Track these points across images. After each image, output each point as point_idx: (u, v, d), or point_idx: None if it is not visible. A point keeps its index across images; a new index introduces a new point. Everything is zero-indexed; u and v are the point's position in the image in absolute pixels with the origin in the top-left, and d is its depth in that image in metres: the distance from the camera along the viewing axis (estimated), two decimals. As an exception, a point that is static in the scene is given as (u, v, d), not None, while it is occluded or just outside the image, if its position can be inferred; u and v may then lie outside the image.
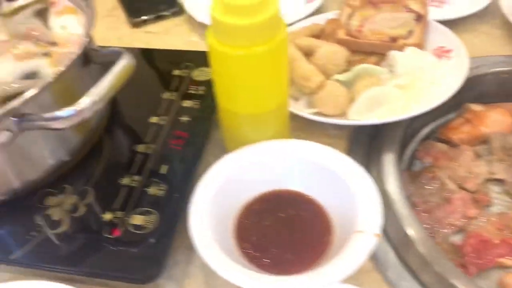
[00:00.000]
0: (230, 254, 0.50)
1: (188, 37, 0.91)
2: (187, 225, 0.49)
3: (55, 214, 0.54)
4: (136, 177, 0.58)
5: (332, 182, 0.56)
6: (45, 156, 0.56)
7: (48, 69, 0.56)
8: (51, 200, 0.56)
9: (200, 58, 0.76)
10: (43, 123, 0.48)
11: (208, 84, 0.70)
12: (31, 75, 0.55)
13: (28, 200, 0.56)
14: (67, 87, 0.54)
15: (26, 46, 0.59)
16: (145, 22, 0.94)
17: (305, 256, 0.53)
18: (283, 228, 0.56)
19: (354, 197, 0.53)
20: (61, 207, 0.55)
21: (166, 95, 0.69)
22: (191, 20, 0.94)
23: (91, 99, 0.48)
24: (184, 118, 0.65)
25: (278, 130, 0.61)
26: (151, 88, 0.70)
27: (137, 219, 0.53)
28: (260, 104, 0.57)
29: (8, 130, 0.48)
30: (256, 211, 0.57)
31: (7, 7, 0.68)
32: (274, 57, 0.53)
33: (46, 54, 0.57)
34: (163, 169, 0.58)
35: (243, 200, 0.58)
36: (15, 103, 0.47)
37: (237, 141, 0.61)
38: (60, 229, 0.53)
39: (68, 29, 0.62)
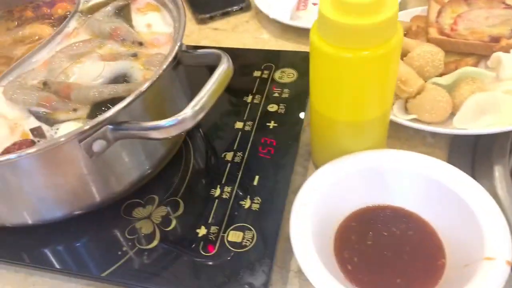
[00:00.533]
0: (335, 276, 0.46)
1: (257, 34, 0.86)
2: (285, 244, 0.44)
3: (145, 227, 0.51)
4: (227, 188, 0.54)
5: (443, 198, 0.50)
6: (131, 166, 0.52)
7: (138, 72, 0.52)
8: (139, 212, 0.53)
9: (279, 58, 0.72)
10: (141, 132, 0.44)
11: (292, 86, 0.66)
12: (120, 78, 0.52)
13: (113, 212, 0.53)
14: (157, 92, 0.50)
15: (111, 46, 0.56)
16: (211, 18, 0.90)
17: (417, 282, 0.48)
18: (387, 248, 0.51)
19: (474, 216, 0.48)
20: (150, 220, 0.52)
21: (249, 99, 0.65)
22: (259, 16, 0.89)
23: (194, 109, 0.44)
24: (271, 124, 0.61)
25: (377, 140, 0.56)
26: (232, 90, 0.66)
27: (233, 236, 0.49)
28: (363, 112, 0.52)
29: (103, 138, 0.44)
30: (355, 229, 0.53)
31: (85, 3, 0.65)
32: (387, 62, 0.48)
33: (134, 55, 0.53)
34: (255, 180, 0.54)
35: (341, 216, 0.53)
36: (113, 110, 0.43)
37: (330, 149, 0.56)
38: (152, 244, 0.50)
39: (153, 27, 0.58)
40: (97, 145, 0.44)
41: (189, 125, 0.44)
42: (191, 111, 0.44)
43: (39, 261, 0.50)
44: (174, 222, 0.51)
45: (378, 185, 0.54)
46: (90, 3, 0.64)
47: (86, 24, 0.59)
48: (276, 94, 0.65)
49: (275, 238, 0.49)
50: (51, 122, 0.47)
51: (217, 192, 0.54)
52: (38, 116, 0.48)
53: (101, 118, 0.43)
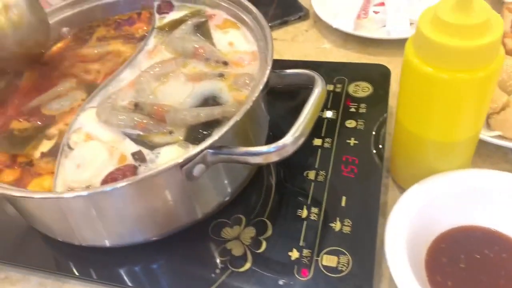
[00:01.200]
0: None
1: (318, 44, 0.85)
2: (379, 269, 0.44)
3: (236, 249, 0.51)
4: (314, 209, 0.53)
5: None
6: (219, 187, 0.52)
7: (227, 93, 0.52)
8: (227, 232, 0.53)
9: (350, 71, 0.71)
10: (240, 157, 0.44)
11: (369, 101, 0.65)
12: (209, 99, 0.52)
13: (201, 232, 0.53)
14: (247, 115, 0.49)
15: (195, 66, 0.56)
16: (270, 28, 0.89)
17: (515, 309, 0.47)
18: (482, 272, 0.50)
19: None
20: (239, 241, 0.52)
21: (324, 114, 0.64)
22: (319, 25, 0.88)
23: (294, 135, 0.43)
24: (351, 141, 0.60)
25: (465, 159, 0.55)
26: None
27: (327, 260, 0.49)
28: (455, 132, 0.51)
29: (203, 163, 0.44)
30: (445, 251, 0.52)
31: (160, 20, 0.65)
32: (485, 84, 0.46)
33: (220, 76, 0.53)
34: (343, 201, 0.54)
35: (431, 237, 0.52)
36: (216, 136, 0.43)
37: (415, 167, 0.55)
38: (245, 267, 0.49)
39: (235, 46, 0.58)
40: (197, 170, 0.45)
41: (290, 151, 0.44)
42: (292, 138, 0.43)
43: (136, 283, 0.51)
44: (264, 244, 0.51)
45: (467, 205, 0.52)
46: (166, 20, 0.64)
47: (167, 42, 0.59)
48: (353, 109, 0.64)
49: (372, 264, 0.48)
50: (149, 145, 0.48)
51: (304, 213, 0.53)
52: (133, 139, 0.49)
53: (205, 144, 0.43)
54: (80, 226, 0.48)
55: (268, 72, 0.49)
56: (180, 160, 0.42)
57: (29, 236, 0.55)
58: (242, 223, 0.53)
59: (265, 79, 0.48)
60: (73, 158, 0.47)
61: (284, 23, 0.90)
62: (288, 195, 0.56)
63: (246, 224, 0.53)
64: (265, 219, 0.53)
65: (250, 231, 0.52)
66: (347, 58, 0.81)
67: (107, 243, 0.51)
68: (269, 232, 0.52)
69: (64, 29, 0.66)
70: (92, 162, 0.46)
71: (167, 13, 0.65)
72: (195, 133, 0.48)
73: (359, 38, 0.83)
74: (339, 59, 0.79)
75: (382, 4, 0.89)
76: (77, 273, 0.52)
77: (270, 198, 0.56)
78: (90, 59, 0.60)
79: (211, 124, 0.49)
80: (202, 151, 0.43)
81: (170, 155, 0.46)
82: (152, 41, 0.61)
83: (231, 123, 0.44)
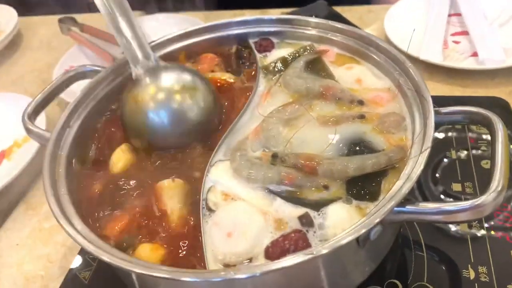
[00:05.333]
0: None
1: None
2: None
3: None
4: (482, 268, 0.46)
5: None
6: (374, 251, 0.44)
7: (376, 137, 0.45)
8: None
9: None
10: (432, 216, 0.37)
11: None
12: (358, 145, 0.44)
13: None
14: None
15: (324, 107, 0.49)
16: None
17: None
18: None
19: None
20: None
21: (453, 154, 0.57)
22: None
23: (497, 190, 0.36)
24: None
25: None
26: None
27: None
28: None
29: (381, 223, 0.36)
30: None
31: (262, 60, 0.58)
32: None
33: (361, 117, 0.46)
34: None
35: None
36: (400, 194, 0.36)
37: None
38: None
39: (365, 83, 0.51)
40: (374, 233, 0.37)
41: (489, 209, 0.37)
42: (495, 194, 0.36)
43: None
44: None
45: None
46: (270, 58, 0.58)
47: (285, 83, 0.52)
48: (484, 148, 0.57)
49: None
50: (310, 204, 0.40)
51: (471, 273, 0.45)
52: (283, 197, 0.41)
53: (390, 203, 0.35)
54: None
55: (432, 113, 0.42)
56: (371, 225, 0.34)
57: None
58: (398, 288, 0.45)
59: (432, 120, 0.41)
60: (218, 224, 0.39)
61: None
62: (440, 253, 0.48)
63: (404, 290, 0.45)
64: (427, 284, 0.45)
65: (412, 298, 0.44)
66: (437, 91, 0.75)
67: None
68: (436, 299, 0.44)
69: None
70: (246, 229, 0.38)
71: (269, 51, 0.58)
72: (356, 186, 0.41)
73: (445, 69, 0.77)
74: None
75: (462, 33, 0.85)
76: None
77: (421, 257, 0.48)
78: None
79: (368, 174, 0.41)
80: (388, 211, 0.35)
81: (339, 215, 0.38)
82: (262, 82, 0.54)
83: (416, 173, 0.37)
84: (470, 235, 0.49)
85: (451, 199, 0.52)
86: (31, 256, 0.62)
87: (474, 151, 0.57)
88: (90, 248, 0.38)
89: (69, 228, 0.39)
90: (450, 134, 0.60)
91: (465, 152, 0.57)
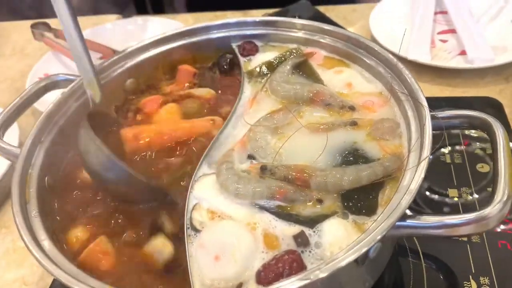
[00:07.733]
0: None
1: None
2: None
3: None
4: (484, 279, 0.43)
5: None
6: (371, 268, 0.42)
7: (370, 144, 0.42)
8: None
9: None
10: (434, 231, 0.34)
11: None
12: (352, 154, 0.42)
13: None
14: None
15: (313, 113, 0.46)
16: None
17: None
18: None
19: None
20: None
21: (447, 158, 0.55)
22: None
23: (502, 202, 0.34)
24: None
25: None
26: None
27: None
28: None
29: (381, 241, 0.34)
30: None
31: (246, 63, 0.55)
32: None
33: (353, 124, 0.44)
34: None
35: None
36: (399, 210, 0.33)
37: None
38: None
39: (354, 87, 0.48)
40: (373, 250, 0.34)
41: (494, 224, 0.34)
42: (501, 205, 0.34)
43: None
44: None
45: None
46: (254, 63, 0.55)
47: (272, 88, 0.49)
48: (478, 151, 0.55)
49: None
50: (304, 221, 0.37)
51: (474, 286, 0.43)
52: (273, 212, 0.38)
53: (390, 219, 0.33)
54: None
55: (429, 120, 0.40)
56: (372, 243, 0.31)
57: None
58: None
59: (429, 127, 0.39)
60: (205, 246, 0.36)
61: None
62: (440, 268, 0.46)
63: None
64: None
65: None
66: (426, 92, 0.73)
67: None
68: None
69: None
70: (235, 251, 0.35)
71: (253, 54, 0.56)
72: (352, 199, 0.38)
73: (433, 69, 0.75)
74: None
75: (449, 31, 0.83)
76: None
77: (420, 273, 0.45)
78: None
79: (364, 186, 0.39)
80: (389, 228, 0.33)
81: (336, 232, 0.36)
82: (248, 88, 0.51)
83: (416, 186, 0.34)
84: (469, 245, 0.47)
85: (448, 208, 0.50)
86: (5, 279, 0.58)
87: (468, 154, 0.55)
88: (61, 275, 0.35)
89: (38, 253, 0.36)
90: (443, 137, 0.58)
91: (460, 155, 0.55)
